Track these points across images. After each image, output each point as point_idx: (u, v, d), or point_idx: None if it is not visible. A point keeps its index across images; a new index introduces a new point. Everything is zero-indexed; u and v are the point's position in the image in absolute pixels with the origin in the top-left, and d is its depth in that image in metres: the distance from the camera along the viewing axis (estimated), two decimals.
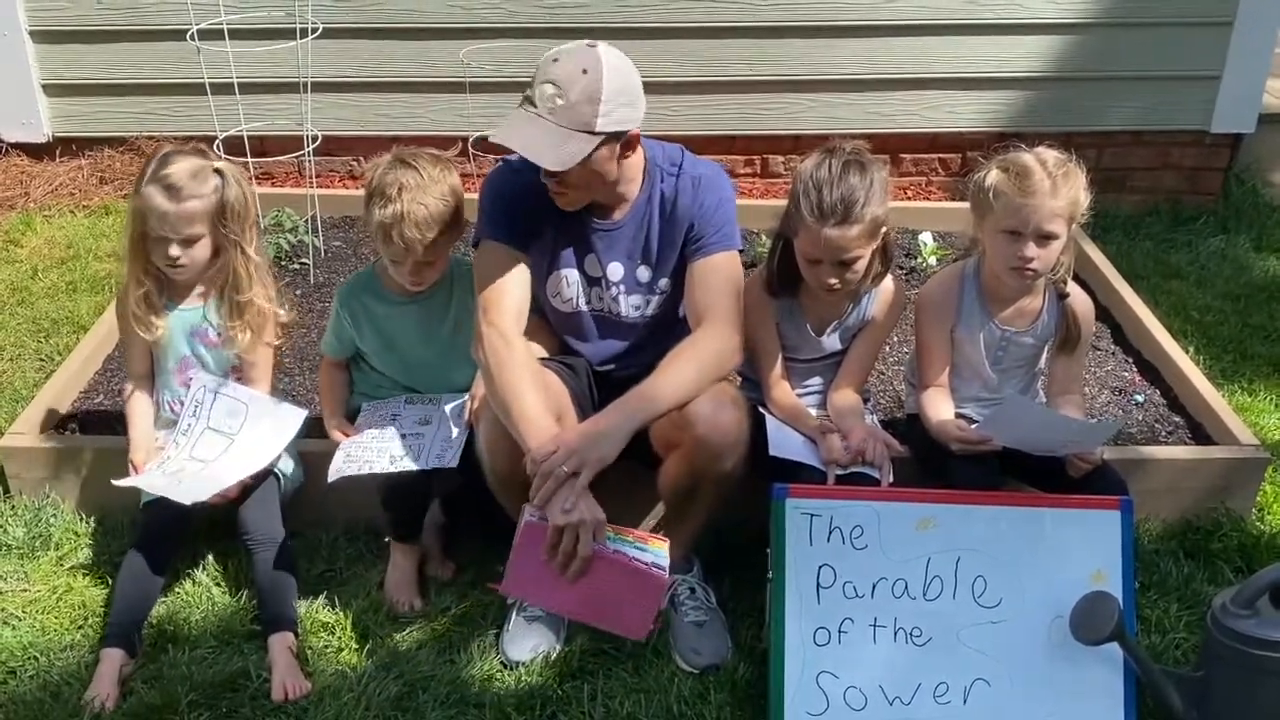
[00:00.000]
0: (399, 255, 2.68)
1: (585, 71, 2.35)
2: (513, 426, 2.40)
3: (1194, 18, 4.59)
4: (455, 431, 2.73)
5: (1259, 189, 5.09)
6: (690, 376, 2.46)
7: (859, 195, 2.50)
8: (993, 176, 2.63)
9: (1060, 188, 2.56)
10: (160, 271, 2.75)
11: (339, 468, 2.70)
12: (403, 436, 2.75)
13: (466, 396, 2.77)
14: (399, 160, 2.68)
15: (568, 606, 2.45)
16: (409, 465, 2.67)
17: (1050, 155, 2.62)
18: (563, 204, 2.52)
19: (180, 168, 2.65)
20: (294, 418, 2.78)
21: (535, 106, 2.37)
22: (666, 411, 2.43)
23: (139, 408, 2.87)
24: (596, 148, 2.38)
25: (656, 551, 2.35)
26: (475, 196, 2.65)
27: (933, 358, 2.82)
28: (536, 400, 2.42)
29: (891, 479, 2.57)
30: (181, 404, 2.83)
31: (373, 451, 2.72)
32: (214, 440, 2.75)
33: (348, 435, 2.82)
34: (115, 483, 2.70)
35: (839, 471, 2.58)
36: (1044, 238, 2.59)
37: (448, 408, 2.80)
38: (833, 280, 2.58)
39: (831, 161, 2.53)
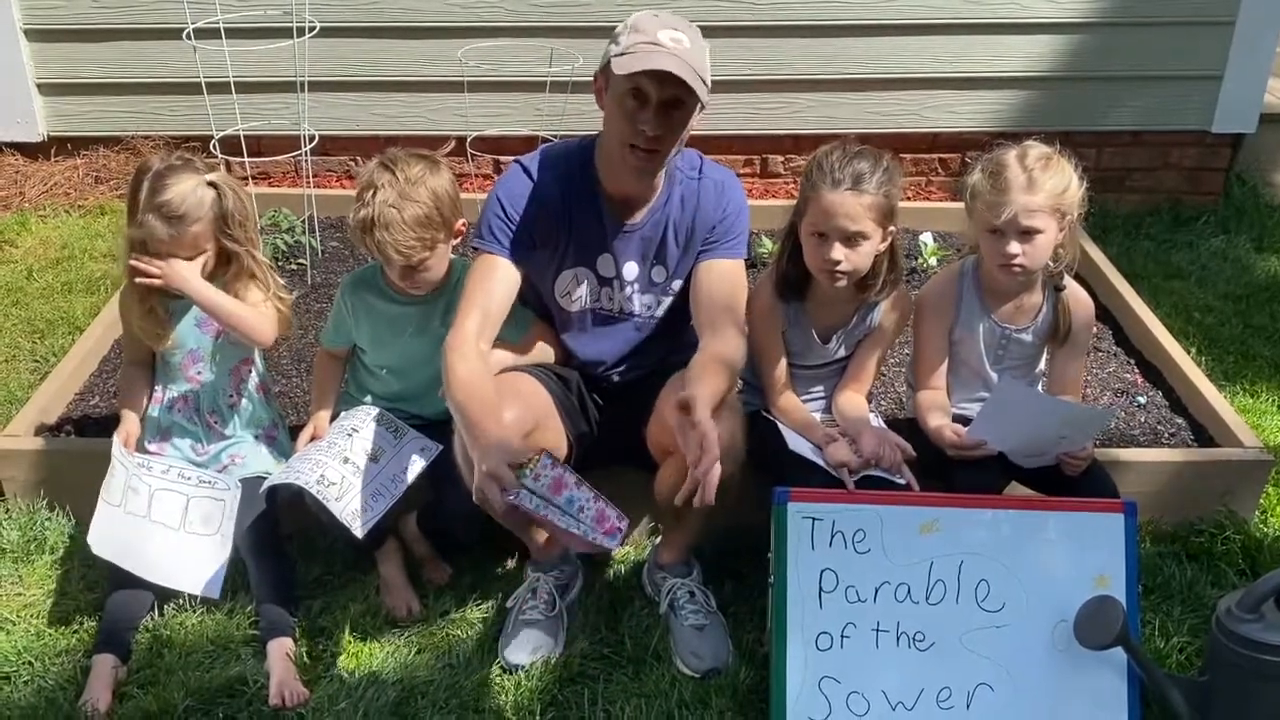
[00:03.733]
0: (381, 258, 2.66)
1: (687, 29, 2.39)
2: (465, 435, 2.35)
3: (1195, 17, 4.57)
4: (381, 502, 2.66)
5: (1260, 189, 5.08)
6: (722, 382, 2.41)
7: (871, 168, 2.54)
8: (973, 176, 2.65)
9: (1038, 182, 2.55)
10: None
11: (274, 478, 2.66)
12: (344, 460, 2.67)
13: (423, 458, 2.74)
14: (381, 162, 2.65)
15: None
16: (329, 500, 2.58)
17: (1034, 150, 2.61)
18: (649, 167, 2.46)
19: (176, 191, 2.61)
20: (214, 581, 2.65)
21: (664, 46, 2.33)
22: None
23: (134, 389, 2.87)
24: (706, 96, 2.39)
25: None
26: (472, 196, 2.63)
27: (929, 358, 2.81)
28: (482, 405, 2.35)
29: (913, 480, 2.57)
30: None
31: (310, 464, 2.65)
32: (172, 507, 2.70)
33: (314, 438, 2.81)
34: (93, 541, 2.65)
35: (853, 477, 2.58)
36: (1025, 233, 2.58)
37: (408, 470, 2.73)
38: (837, 256, 2.56)
39: (847, 145, 2.59)
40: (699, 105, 2.41)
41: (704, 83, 2.37)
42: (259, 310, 2.77)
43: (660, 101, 2.35)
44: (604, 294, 2.68)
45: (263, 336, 2.78)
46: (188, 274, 2.68)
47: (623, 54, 2.33)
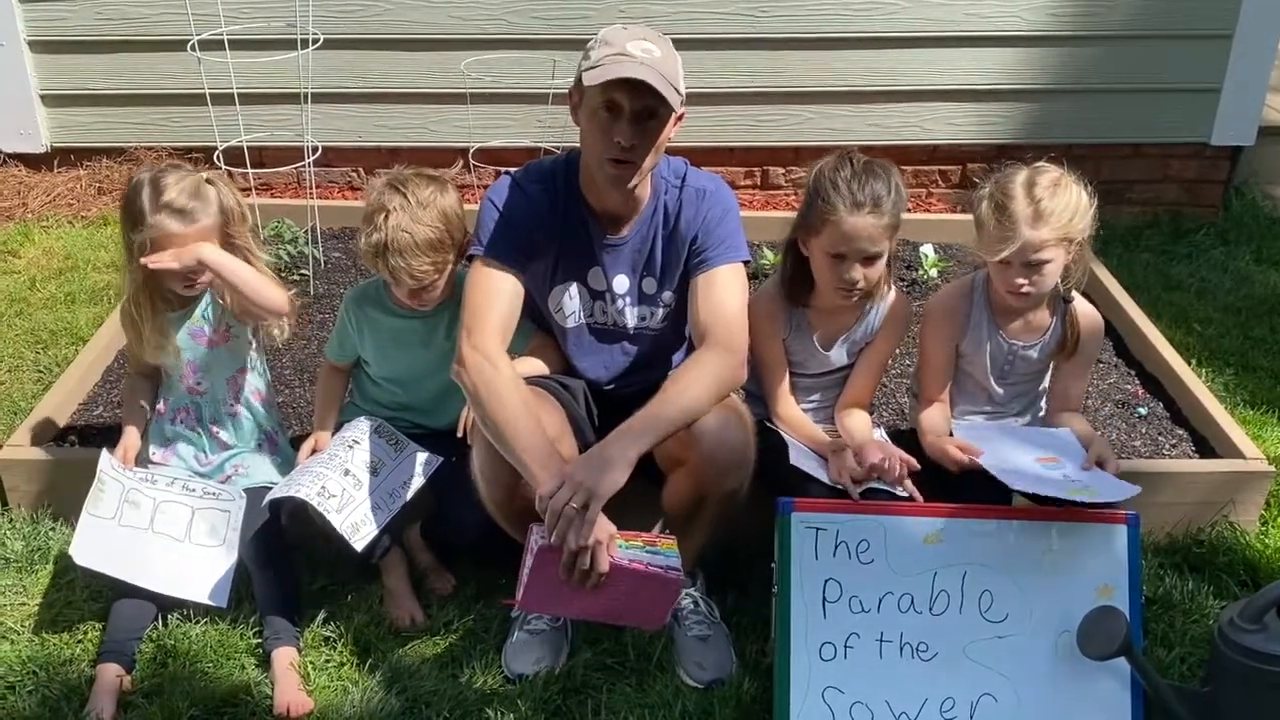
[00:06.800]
0: (392, 280, 2.67)
1: (657, 40, 2.40)
2: (511, 456, 2.34)
3: (1194, 30, 4.61)
4: (379, 516, 2.67)
5: (1259, 201, 5.10)
6: (696, 395, 2.40)
7: (886, 187, 2.55)
8: (980, 205, 2.63)
9: (1044, 214, 2.52)
10: (166, 296, 2.73)
11: (275, 491, 2.66)
12: (345, 473, 2.68)
13: (422, 473, 2.76)
14: (390, 184, 2.65)
15: (587, 613, 2.43)
16: (329, 512, 2.59)
17: (1044, 176, 2.58)
18: (627, 179, 2.42)
19: (180, 187, 2.62)
20: (220, 589, 2.67)
21: (633, 56, 2.33)
22: (672, 433, 2.37)
23: (136, 402, 2.87)
24: (679, 106, 2.40)
25: (668, 553, 2.32)
26: (474, 209, 2.64)
27: (934, 371, 2.81)
28: (531, 426, 2.36)
29: (916, 492, 2.57)
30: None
31: (311, 476, 2.66)
32: (176, 519, 2.71)
33: (315, 451, 2.82)
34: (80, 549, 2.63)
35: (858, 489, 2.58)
36: (1030, 265, 2.57)
37: (407, 485, 2.75)
38: (856, 276, 2.58)
39: (853, 159, 2.58)
40: (674, 116, 2.41)
41: (676, 91, 2.36)
42: (271, 278, 2.75)
43: (633, 111, 2.34)
44: (597, 308, 2.68)
45: (277, 302, 2.72)
46: (201, 248, 2.63)
47: (593, 67, 2.34)
